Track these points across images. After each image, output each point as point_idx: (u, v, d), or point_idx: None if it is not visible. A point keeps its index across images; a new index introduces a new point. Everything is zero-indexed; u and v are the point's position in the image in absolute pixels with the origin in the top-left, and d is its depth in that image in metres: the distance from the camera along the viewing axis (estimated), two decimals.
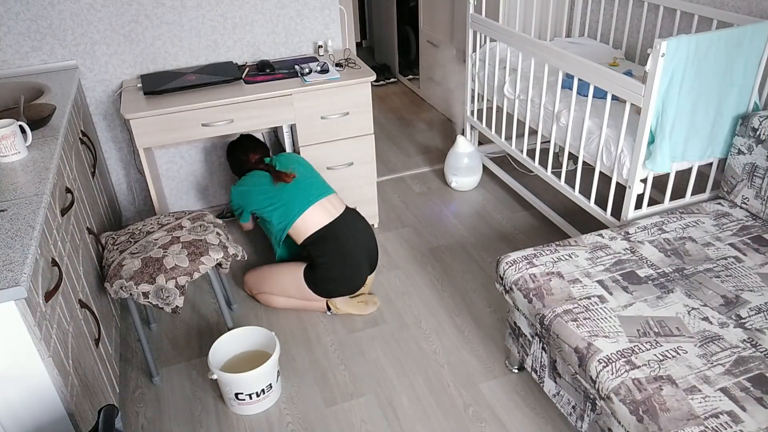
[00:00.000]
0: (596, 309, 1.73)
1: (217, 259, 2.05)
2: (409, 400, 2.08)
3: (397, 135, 4.02)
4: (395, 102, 4.58)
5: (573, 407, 1.79)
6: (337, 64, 2.74)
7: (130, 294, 1.94)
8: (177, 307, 1.97)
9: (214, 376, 1.97)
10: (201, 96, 2.46)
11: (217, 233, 2.13)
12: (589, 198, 2.50)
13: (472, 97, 3.26)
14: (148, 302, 1.95)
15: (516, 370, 2.15)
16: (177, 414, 2.07)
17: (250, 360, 2.12)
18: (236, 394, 1.99)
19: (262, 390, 2.00)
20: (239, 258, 2.17)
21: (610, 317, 1.70)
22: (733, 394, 1.45)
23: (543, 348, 1.88)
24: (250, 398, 2.00)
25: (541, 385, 1.95)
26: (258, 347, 2.17)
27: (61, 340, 1.50)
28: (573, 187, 2.57)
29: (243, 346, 2.17)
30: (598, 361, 1.57)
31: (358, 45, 5.64)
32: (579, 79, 2.45)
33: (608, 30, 3.21)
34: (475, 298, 2.52)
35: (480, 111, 3.26)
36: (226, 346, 2.12)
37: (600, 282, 1.83)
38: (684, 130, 2.13)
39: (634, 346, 1.59)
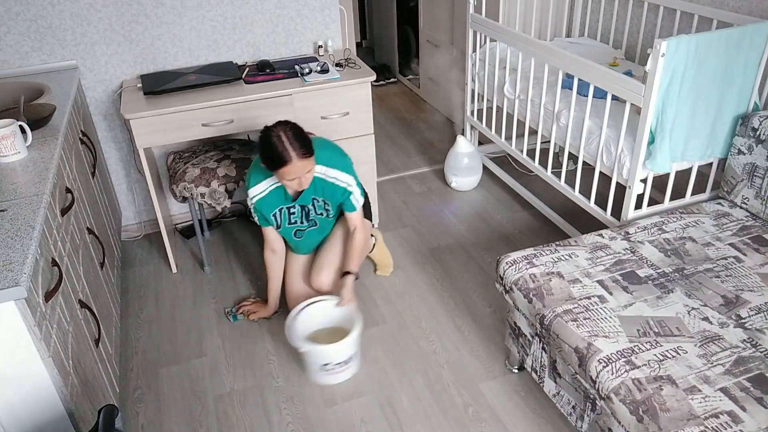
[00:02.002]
0: (596, 309, 1.73)
1: None
2: (409, 400, 2.08)
3: (397, 135, 4.02)
4: (395, 102, 4.58)
5: (573, 407, 1.79)
6: (337, 64, 2.74)
7: (191, 194, 2.48)
8: (225, 207, 2.51)
9: (304, 349, 2.06)
10: (201, 96, 2.46)
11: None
12: (589, 198, 2.50)
13: (472, 97, 3.26)
14: (204, 201, 2.48)
15: (516, 370, 2.15)
16: (177, 414, 2.07)
17: (330, 334, 2.24)
18: (324, 365, 2.08)
19: (348, 360, 2.11)
20: None
21: (610, 317, 1.69)
22: (733, 394, 1.45)
23: (543, 348, 1.88)
24: (339, 366, 2.10)
25: (541, 385, 1.95)
26: (335, 324, 2.26)
27: (61, 340, 1.50)
28: (573, 187, 2.57)
29: (319, 323, 2.25)
30: (598, 361, 1.57)
31: (358, 45, 5.63)
32: (579, 79, 2.45)
33: (608, 30, 3.21)
34: (475, 298, 2.52)
35: (480, 111, 3.25)
36: (302, 324, 2.18)
37: (600, 282, 1.83)
38: (684, 130, 2.13)
39: (634, 346, 1.59)
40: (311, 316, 2.21)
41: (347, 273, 2.23)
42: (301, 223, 2.26)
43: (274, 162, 1.96)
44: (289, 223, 2.25)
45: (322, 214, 2.25)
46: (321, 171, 2.12)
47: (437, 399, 2.07)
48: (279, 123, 2.00)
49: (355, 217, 2.23)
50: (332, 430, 1.98)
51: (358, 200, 2.20)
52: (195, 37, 2.74)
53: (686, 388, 1.47)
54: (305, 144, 1.98)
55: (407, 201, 3.22)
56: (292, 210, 2.22)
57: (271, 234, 2.28)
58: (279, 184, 2.16)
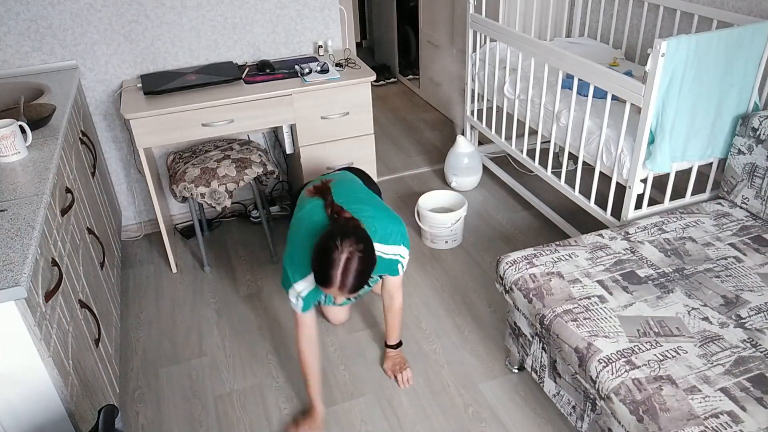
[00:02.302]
0: (596, 309, 1.73)
1: (258, 172, 2.57)
2: (409, 400, 2.08)
3: (397, 135, 4.01)
4: (395, 102, 4.58)
5: (573, 407, 1.79)
6: (337, 64, 2.74)
7: (191, 194, 2.47)
8: (225, 207, 2.52)
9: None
10: (201, 96, 2.46)
11: (260, 155, 2.65)
12: (589, 198, 2.50)
13: (472, 97, 3.26)
14: (204, 201, 2.49)
15: (516, 370, 2.15)
16: (177, 414, 2.07)
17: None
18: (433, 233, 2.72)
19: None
20: (275, 175, 2.65)
21: (610, 317, 1.69)
22: (733, 394, 1.45)
23: (543, 348, 1.88)
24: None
25: (541, 385, 1.95)
26: (447, 205, 2.90)
27: (61, 340, 1.50)
28: (573, 187, 2.57)
29: (437, 203, 2.89)
30: (598, 361, 1.57)
31: (358, 45, 5.63)
32: (579, 79, 2.45)
33: (608, 30, 3.21)
34: (475, 298, 2.52)
35: (480, 111, 3.25)
36: (427, 202, 2.85)
37: (600, 282, 1.83)
38: (684, 130, 2.13)
39: (634, 346, 1.59)
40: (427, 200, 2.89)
41: (391, 347, 2.16)
42: (347, 299, 1.91)
43: (317, 275, 1.66)
44: (335, 302, 1.91)
45: (368, 285, 2.04)
46: (379, 249, 1.84)
47: (437, 399, 2.07)
48: (353, 238, 1.63)
49: (396, 281, 2.01)
50: (332, 430, 1.98)
51: (404, 266, 1.96)
52: (195, 37, 2.74)
53: (686, 388, 1.47)
54: (360, 283, 1.66)
55: (407, 201, 3.22)
56: None
57: (308, 320, 1.91)
58: None
